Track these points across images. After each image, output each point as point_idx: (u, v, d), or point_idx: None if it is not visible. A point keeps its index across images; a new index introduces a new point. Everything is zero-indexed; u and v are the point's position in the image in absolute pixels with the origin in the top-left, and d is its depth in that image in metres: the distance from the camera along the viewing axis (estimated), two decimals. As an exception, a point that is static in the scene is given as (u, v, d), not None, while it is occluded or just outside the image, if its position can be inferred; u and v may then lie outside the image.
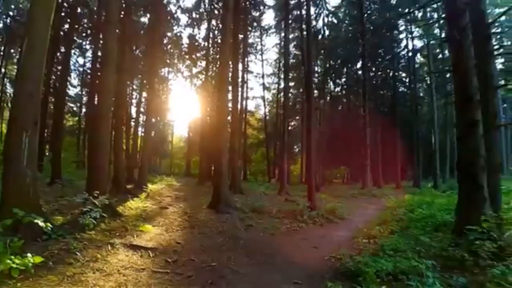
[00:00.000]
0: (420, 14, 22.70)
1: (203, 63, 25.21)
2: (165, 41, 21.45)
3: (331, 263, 4.48)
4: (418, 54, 26.40)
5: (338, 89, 32.04)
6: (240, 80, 23.00)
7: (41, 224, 4.12)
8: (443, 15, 7.75)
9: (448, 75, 18.02)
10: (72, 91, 25.28)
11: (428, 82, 24.14)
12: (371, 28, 23.40)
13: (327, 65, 28.56)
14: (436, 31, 22.10)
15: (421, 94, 27.69)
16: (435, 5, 17.28)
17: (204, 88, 24.17)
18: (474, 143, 4.83)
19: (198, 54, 25.46)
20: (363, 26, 21.68)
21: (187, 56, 25.97)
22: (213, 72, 23.76)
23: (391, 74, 26.55)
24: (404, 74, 27.78)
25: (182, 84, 40.05)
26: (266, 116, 31.81)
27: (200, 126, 24.46)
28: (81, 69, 24.55)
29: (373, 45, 24.16)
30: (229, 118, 13.85)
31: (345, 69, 29.58)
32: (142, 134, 20.54)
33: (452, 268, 3.79)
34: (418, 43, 25.29)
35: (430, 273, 3.43)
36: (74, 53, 21.36)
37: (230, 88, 13.13)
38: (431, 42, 22.36)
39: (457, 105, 5.36)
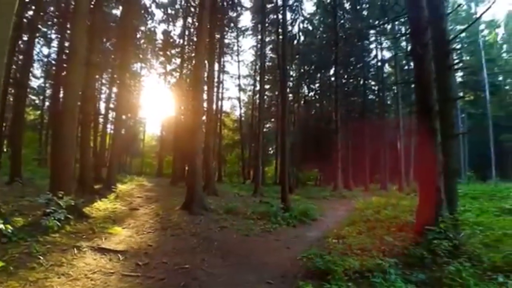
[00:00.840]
0: (389, 27, 24.05)
1: (178, 61, 24.77)
2: (138, 36, 20.74)
3: (303, 262, 4.61)
4: (387, 65, 28.06)
5: (311, 93, 32.97)
6: (216, 80, 22.88)
7: (0, 226, 3.84)
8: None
9: (413, 86, 19.22)
10: (34, 83, 23.54)
11: (395, 91, 25.65)
12: (344, 36, 24.44)
13: (302, 70, 29.26)
14: (403, 43, 23.56)
15: (389, 102, 29.31)
16: (402, 19, 18.39)
17: (179, 86, 23.68)
18: (433, 150, 5.21)
19: (172, 51, 24.94)
20: (336, 34, 22.56)
21: (161, 53, 25.35)
22: (188, 70, 23.36)
23: (361, 82, 27.82)
24: (373, 83, 29.29)
25: (156, 81, 38.80)
26: (242, 117, 31.82)
27: (173, 125, 23.87)
28: (45, 59, 22.98)
29: (345, 53, 25.24)
30: (204, 118, 13.74)
31: (318, 75, 30.50)
32: (111, 132, 19.64)
33: (413, 266, 4.08)
34: (387, 54, 26.86)
35: (392, 270, 3.69)
36: (38, 42, 19.94)
37: (205, 87, 13.03)
38: (399, 54, 23.81)
39: (418, 115, 5.73)
